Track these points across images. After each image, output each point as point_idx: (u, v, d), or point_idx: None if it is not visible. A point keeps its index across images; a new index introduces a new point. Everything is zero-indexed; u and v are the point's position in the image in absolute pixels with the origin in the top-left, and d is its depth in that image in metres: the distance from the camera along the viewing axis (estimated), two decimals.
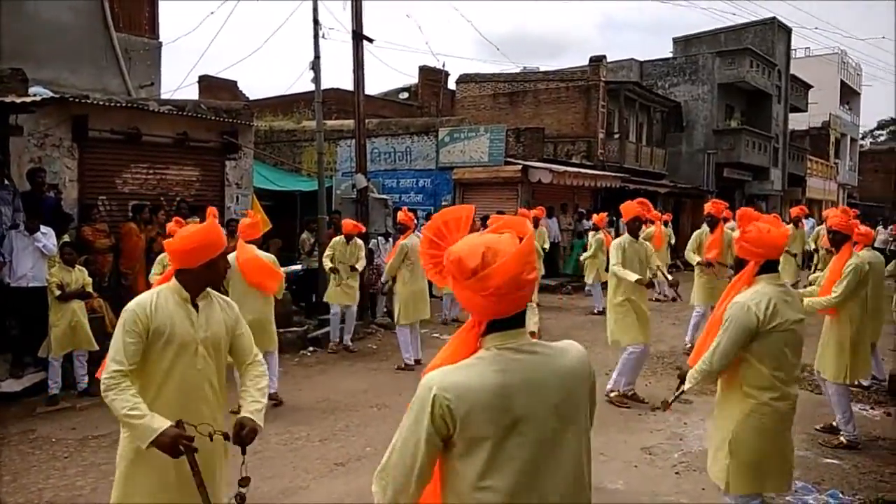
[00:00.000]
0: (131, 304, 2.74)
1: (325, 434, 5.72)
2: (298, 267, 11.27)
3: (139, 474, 2.69)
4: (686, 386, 3.38)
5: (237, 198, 10.40)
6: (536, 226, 12.22)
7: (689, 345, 8.78)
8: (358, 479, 4.72)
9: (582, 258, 12.49)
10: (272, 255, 6.61)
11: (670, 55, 30.81)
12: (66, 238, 7.44)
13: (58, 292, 6.54)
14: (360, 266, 8.85)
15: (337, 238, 8.94)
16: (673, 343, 9.30)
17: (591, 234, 12.85)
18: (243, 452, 2.63)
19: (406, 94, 28.25)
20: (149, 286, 8.38)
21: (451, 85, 25.92)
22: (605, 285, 7.83)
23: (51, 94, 8.15)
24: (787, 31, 32.18)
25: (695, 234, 8.90)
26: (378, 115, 19.29)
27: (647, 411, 6.24)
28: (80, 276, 6.78)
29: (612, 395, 6.47)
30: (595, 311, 11.77)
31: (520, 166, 15.15)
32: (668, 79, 28.65)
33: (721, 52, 28.46)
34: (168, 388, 2.71)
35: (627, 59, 29.02)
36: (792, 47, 33.37)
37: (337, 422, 6.07)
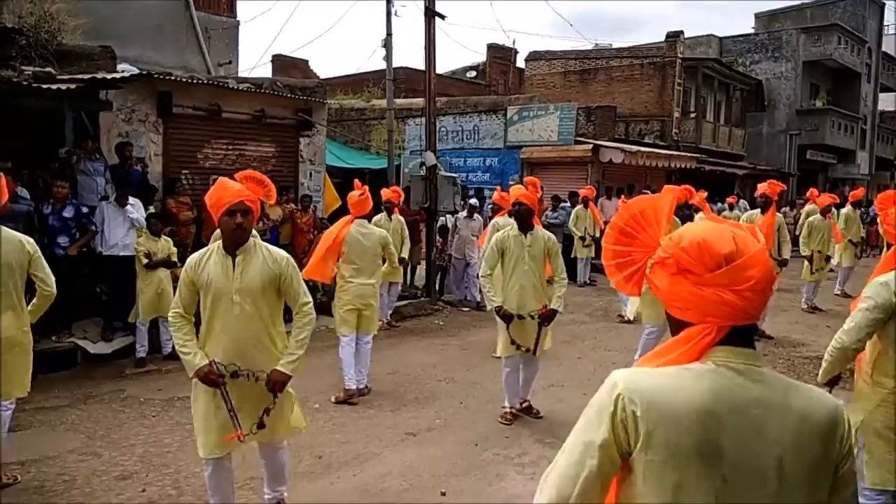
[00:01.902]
0: (188, 259, 3.26)
1: (396, 405, 5.83)
2: None
3: (198, 396, 3.27)
4: (821, 371, 3.26)
5: (310, 174, 10.62)
6: (586, 206, 11.96)
7: None
8: (428, 450, 4.80)
9: None
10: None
11: (752, 31, 29.44)
12: (152, 210, 7.80)
13: (145, 261, 6.87)
14: (405, 251, 8.55)
15: (378, 217, 8.39)
16: None
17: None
18: (274, 397, 3.16)
19: (474, 73, 28.11)
20: None
21: (520, 63, 25.61)
22: None
23: (137, 70, 8.52)
24: (880, 6, 30.23)
25: (745, 217, 8.43)
26: (445, 93, 19.27)
27: None
28: (165, 246, 7.09)
29: None
30: None
31: (590, 146, 14.87)
32: (749, 56, 27.43)
33: (807, 28, 27.01)
34: (214, 330, 3.19)
35: (706, 35, 27.91)
36: (885, 23, 31.29)
37: (406, 393, 6.18)
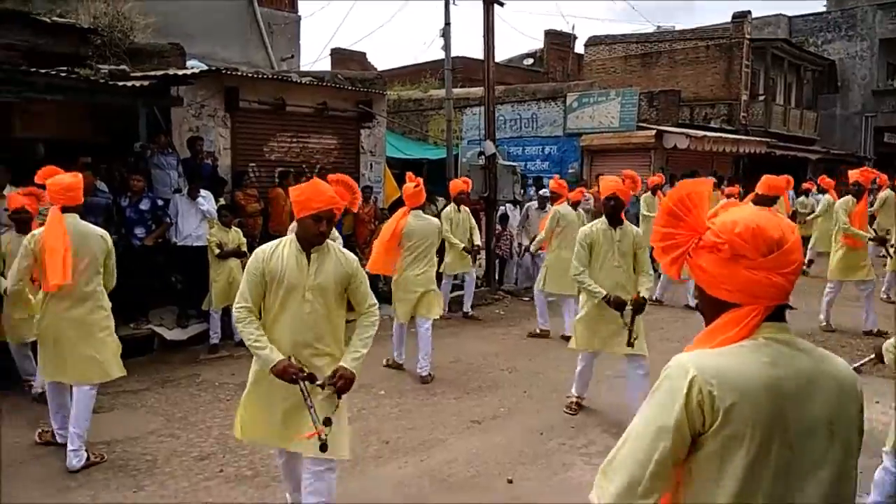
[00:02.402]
0: (256, 250, 3.18)
1: (459, 393, 5.88)
2: None
3: (255, 391, 3.19)
4: (886, 360, 3.16)
5: (371, 165, 10.75)
6: (654, 193, 11.65)
7: (824, 323, 8.12)
8: (493, 437, 4.82)
9: None
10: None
11: (824, 9, 28.03)
12: (222, 202, 8.06)
13: (217, 251, 7.12)
14: (476, 238, 8.64)
15: (447, 209, 8.63)
16: (807, 324, 8.41)
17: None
18: (338, 397, 2.99)
19: (531, 60, 27.78)
20: None
21: (579, 48, 25.17)
22: None
23: (206, 67, 8.79)
24: None
25: (839, 203, 8.07)
26: (502, 82, 19.11)
27: None
28: (235, 237, 7.33)
29: None
30: None
31: (653, 131, 14.51)
32: (821, 35, 26.15)
33: (883, 4, 25.49)
34: (279, 325, 3.09)
35: (775, 15, 26.73)
36: None
37: (469, 382, 6.21)
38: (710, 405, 1.32)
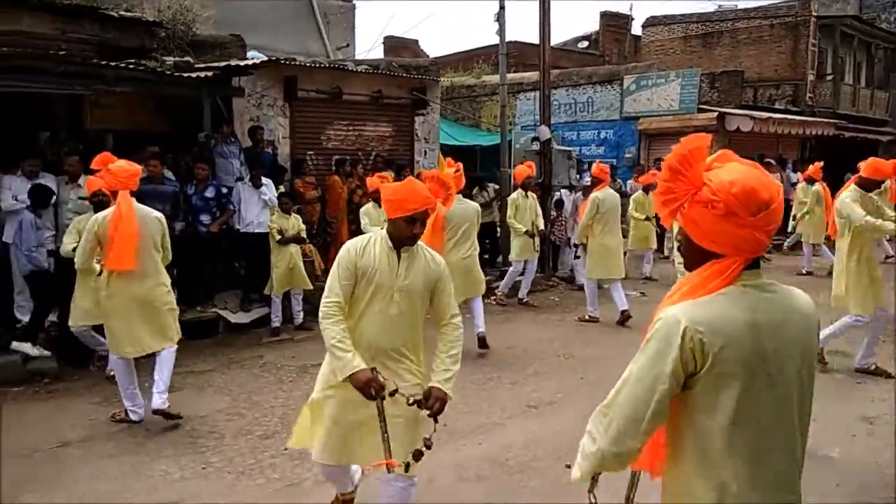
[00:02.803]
0: (347, 243, 3.00)
1: (516, 378, 5.89)
2: None
3: (324, 401, 2.99)
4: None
5: (425, 152, 10.81)
6: (647, 193, 11.19)
7: None
8: (551, 422, 4.82)
9: (798, 214, 11.24)
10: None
11: None
12: (282, 189, 8.25)
13: (278, 237, 7.30)
14: (541, 223, 8.77)
15: (514, 195, 8.71)
16: None
17: (800, 186, 11.60)
18: (435, 421, 2.75)
19: (586, 43, 27.30)
20: (350, 235, 9.16)
21: (636, 30, 24.57)
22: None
23: (265, 57, 8.98)
24: None
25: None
26: (557, 66, 18.84)
27: (867, 380, 5.66)
28: (295, 223, 7.50)
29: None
30: (804, 272, 10.80)
31: (715, 113, 14.08)
32: (894, 10, 24.74)
33: None
34: (365, 323, 2.91)
35: None
36: None
37: (525, 367, 6.21)
38: (700, 350, 1.52)
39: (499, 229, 10.57)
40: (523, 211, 8.55)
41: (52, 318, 6.20)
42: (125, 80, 6.85)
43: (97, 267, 4.92)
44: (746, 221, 1.53)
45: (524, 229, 8.44)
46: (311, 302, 8.12)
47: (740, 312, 1.55)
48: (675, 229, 1.98)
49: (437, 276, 2.98)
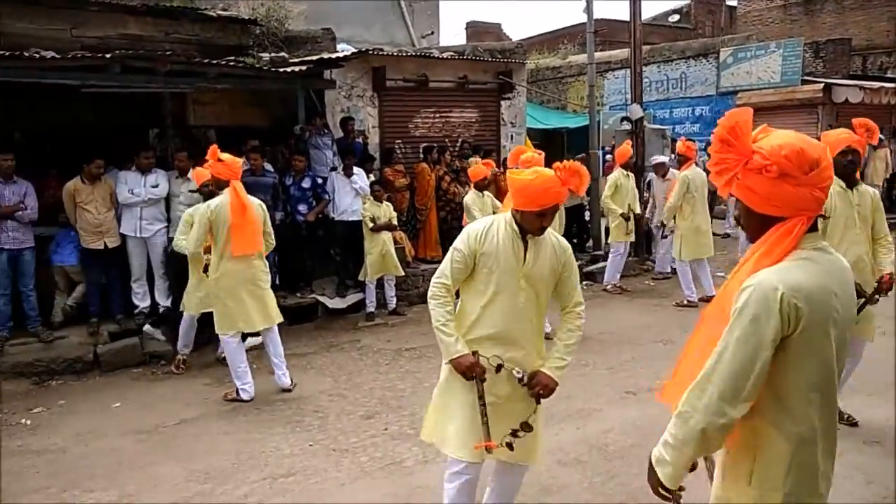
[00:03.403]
0: (467, 227, 2.91)
1: (612, 364, 5.79)
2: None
3: (454, 385, 2.85)
4: None
5: (512, 136, 10.72)
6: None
7: None
8: (649, 409, 4.70)
9: None
10: None
11: None
12: (371, 178, 8.42)
13: (371, 224, 7.48)
14: (637, 206, 8.60)
15: (615, 174, 8.56)
16: None
17: None
18: (537, 402, 2.77)
19: (677, 17, 26.20)
20: (439, 222, 9.25)
21: (730, 1, 23.32)
22: None
23: (355, 49, 9.16)
24: None
25: None
26: (646, 42, 18.17)
27: None
28: (387, 211, 7.66)
29: None
30: None
31: (821, 85, 13.18)
32: None
33: None
34: (489, 312, 2.80)
35: None
36: None
37: (621, 353, 6.10)
38: (795, 315, 1.58)
39: (587, 213, 10.38)
40: (623, 192, 8.39)
41: (167, 303, 6.63)
42: (226, 77, 7.18)
43: (202, 253, 5.25)
44: (801, 180, 1.61)
45: (620, 211, 8.28)
46: (403, 288, 8.31)
47: (819, 277, 1.63)
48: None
49: (564, 260, 2.89)
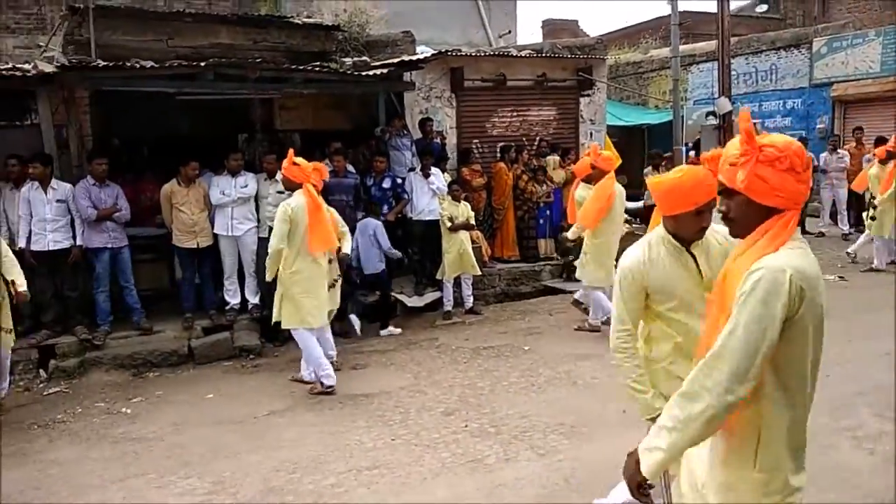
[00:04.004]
0: (625, 262, 2.63)
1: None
2: (640, 203, 11.08)
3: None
4: None
5: (591, 134, 10.53)
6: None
7: None
8: None
9: None
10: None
11: None
12: (446, 177, 8.48)
13: (448, 224, 7.54)
14: None
15: None
16: None
17: None
18: None
19: (765, 7, 24.98)
20: (517, 221, 9.21)
21: None
22: None
23: (433, 51, 9.25)
24: None
25: None
26: (733, 33, 17.44)
27: None
28: (465, 211, 7.70)
29: None
30: None
31: None
32: None
33: None
34: (683, 349, 2.56)
35: None
36: None
37: None
38: (799, 297, 1.64)
39: None
40: None
41: (255, 300, 6.91)
42: (311, 83, 7.42)
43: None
44: (800, 176, 1.73)
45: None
46: (480, 287, 8.33)
47: (812, 264, 1.72)
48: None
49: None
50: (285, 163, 5.35)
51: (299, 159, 5.34)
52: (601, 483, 3.38)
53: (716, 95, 10.09)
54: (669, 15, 11.16)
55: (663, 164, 10.58)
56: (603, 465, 3.64)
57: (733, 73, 14.97)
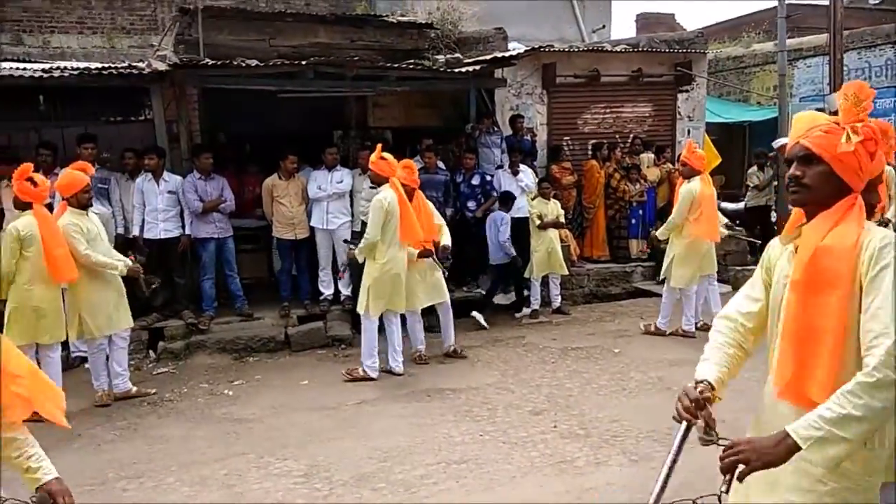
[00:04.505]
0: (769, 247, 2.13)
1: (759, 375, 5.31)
2: (740, 205, 10.58)
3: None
4: None
5: (688, 131, 10.17)
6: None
7: None
8: None
9: None
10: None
11: None
12: (539, 175, 8.40)
13: (538, 221, 7.48)
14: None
15: None
16: None
17: None
18: None
19: None
20: (607, 220, 9.02)
21: None
22: None
23: (525, 47, 9.19)
24: None
25: None
26: (844, 27, 16.33)
27: None
28: (554, 209, 7.62)
29: None
30: None
31: None
32: None
33: None
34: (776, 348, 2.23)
35: None
36: None
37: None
38: None
39: (774, 213, 9.59)
40: None
41: (346, 291, 7.10)
42: (405, 80, 7.55)
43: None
44: (877, 165, 1.76)
45: None
46: (567, 287, 8.20)
47: None
48: None
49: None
50: (373, 157, 5.54)
51: (386, 154, 5.51)
52: (697, 492, 3.26)
53: (825, 92, 9.48)
54: (774, 7, 10.60)
55: (768, 163, 10.09)
56: (698, 474, 3.50)
57: (844, 68, 14.05)
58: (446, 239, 5.92)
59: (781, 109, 9.67)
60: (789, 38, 15.48)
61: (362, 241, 5.61)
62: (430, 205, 6.00)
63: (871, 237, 1.68)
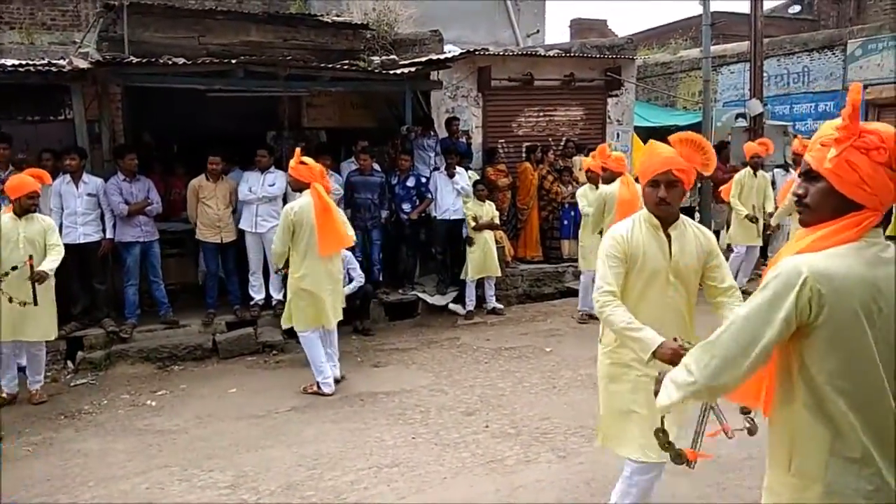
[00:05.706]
0: (610, 232, 2.87)
1: None
2: None
3: (616, 391, 2.93)
4: None
5: (617, 135, 10.43)
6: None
7: None
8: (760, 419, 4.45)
9: None
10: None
11: None
12: (471, 176, 8.45)
13: (473, 224, 7.52)
14: (769, 206, 7.92)
15: (741, 174, 8.01)
16: None
17: None
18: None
19: (797, 8, 24.53)
20: (541, 222, 9.16)
21: None
22: None
23: (461, 50, 9.24)
24: None
25: None
26: (765, 35, 17.12)
27: None
28: (489, 210, 7.68)
29: None
30: None
31: None
32: None
33: None
34: (641, 312, 2.68)
35: None
36: None
37: None
38: (818, 302, 1.56)
39: (697, 214, 9.95)
40: (748, 192, 7.89)
41: (279, 296, 6.95)
42: (339, 81, 7.46)
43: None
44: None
45: (745, 212, 7.79)
46: (502, 288, 8.29)
47: (862, 268, 1.59)
48: None
49: (709, 249, 2.83)
50: (292, 162, 5.17)
51: (307, 158, 5.19)
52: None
53: (746, 97, 9.91)
54: (700, 15, 11.03)
55: None
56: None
57: (764, 74, 14.73)
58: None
59: (705, 114, 10.06)
60: (714, 45, 16.10)
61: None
62: (341, 212, 5.71)
63: (789, 259, 1.63)
